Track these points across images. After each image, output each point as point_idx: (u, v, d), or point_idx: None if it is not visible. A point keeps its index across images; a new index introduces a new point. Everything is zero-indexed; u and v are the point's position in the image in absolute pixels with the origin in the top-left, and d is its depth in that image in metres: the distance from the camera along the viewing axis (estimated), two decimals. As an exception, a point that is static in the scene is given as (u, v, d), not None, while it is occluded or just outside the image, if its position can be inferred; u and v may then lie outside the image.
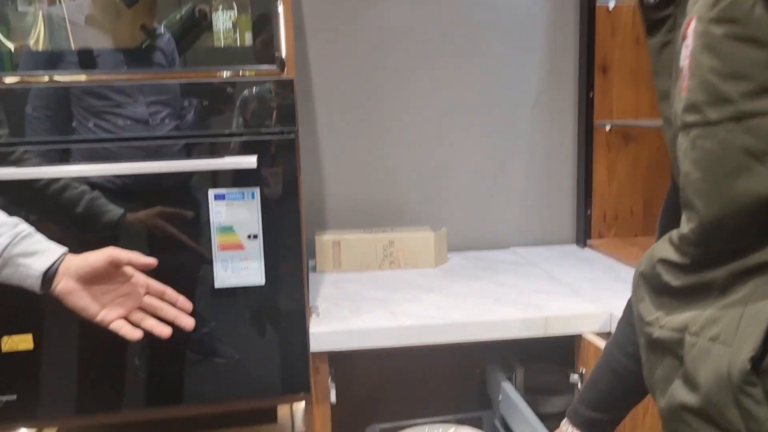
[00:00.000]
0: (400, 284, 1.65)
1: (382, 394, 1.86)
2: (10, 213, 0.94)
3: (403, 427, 1.41)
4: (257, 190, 1.29)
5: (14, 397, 1.26)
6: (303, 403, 1.53)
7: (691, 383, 0.62)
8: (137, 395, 1.32)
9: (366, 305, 1.48)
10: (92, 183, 1.25)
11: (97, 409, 1.31)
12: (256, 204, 1.29)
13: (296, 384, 1.35)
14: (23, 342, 1.24)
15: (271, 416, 1.54)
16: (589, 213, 1.96)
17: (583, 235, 1.97)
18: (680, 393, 0.64)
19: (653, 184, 1.96)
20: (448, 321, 1.37)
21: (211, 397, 1.33)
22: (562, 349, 1.46)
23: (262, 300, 1.31)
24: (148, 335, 0.94)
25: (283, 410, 1.56)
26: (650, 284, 0.73)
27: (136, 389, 1.31)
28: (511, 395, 1.36)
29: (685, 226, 0.66)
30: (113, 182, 1.27)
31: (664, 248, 0.70)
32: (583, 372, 1.37)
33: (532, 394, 1.56)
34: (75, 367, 1.28)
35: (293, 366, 1.34)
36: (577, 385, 1.38)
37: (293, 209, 1.31)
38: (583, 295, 1.50)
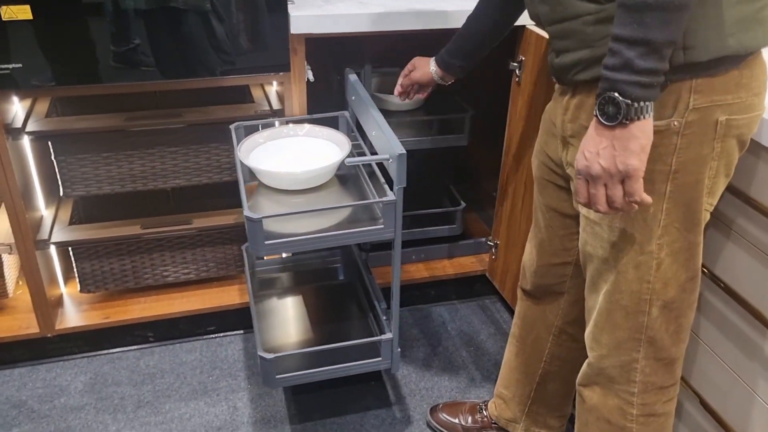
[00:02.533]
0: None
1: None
2: None
3: (265, 126, 1.54)
4: None
5: (20, 65, 1.36)
6: (274, 85, 1.70)
7: None
8: (133, 70, 1.45)
9: (335, -4, 1.61)
10: None
11: (95, 80, 1.44)
12: None
13: (278, 63, 1.52)
14: (22, 12, 1.31)
15: (248, 97, 1.72)
16: None
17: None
18: None
19: None
20: (411, 10, 1.54)
21: (204, 72, 1.48)
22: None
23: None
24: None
25: (256, 93, 1.73)
26: None
27: (131, 62, 1.44)
28: (358, 89, 1.49)
29: None
30: None
31: None
32: (522, 60, 1.61)
33: (382, 92, 1.82)
34: (74, 38, 1.37)
35: (275, 46, 1.49)
36: (515, 71, 1.63)
37: None
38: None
